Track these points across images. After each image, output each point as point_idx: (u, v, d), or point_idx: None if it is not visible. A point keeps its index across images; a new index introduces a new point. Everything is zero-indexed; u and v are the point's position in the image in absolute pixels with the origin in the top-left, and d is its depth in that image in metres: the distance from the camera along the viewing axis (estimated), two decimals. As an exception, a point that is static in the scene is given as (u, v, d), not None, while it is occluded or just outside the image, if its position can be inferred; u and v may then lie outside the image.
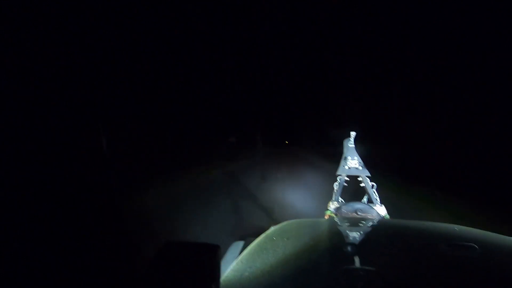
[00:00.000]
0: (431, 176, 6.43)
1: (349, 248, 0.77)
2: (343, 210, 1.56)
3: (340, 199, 1.82)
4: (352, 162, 1.84)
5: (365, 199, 1.78)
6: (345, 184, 1.89)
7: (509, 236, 0.85)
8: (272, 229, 1.03)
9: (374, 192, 1.74)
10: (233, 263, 0.72)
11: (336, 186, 1.87)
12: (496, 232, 0.88)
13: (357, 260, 0.68)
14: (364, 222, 1.16)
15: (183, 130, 12.39)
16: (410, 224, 1.05)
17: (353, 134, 1.87)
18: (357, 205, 1.55)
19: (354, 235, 0.93)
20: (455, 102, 7.46)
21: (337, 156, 1.98)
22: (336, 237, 0.90)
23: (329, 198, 1.85)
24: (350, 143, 1.87)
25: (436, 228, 0.98)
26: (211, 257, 0.42)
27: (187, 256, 0.42)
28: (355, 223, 1.17)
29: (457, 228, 0.94)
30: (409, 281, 0.57)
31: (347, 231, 0.98)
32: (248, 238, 1.19)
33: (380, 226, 1.09)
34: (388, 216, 1.57)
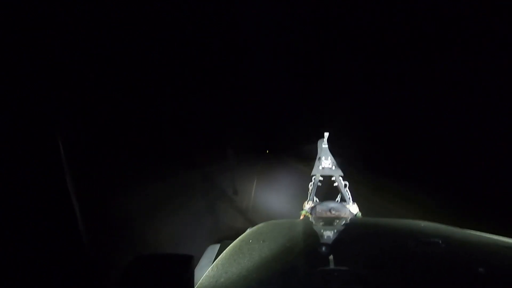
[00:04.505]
0: (401, 172, 6.83)
1: (323, 249, 0.78)
2: (317, 209, 1.59)
3: (315, 198, 1.86)
4: (326, 162, 1.89)
5: (338, 198, 1.84)
6: (319, 184, 1.93)
7: (473, 230, 0.93)
8: (249, 231, 1.03)
9: (346, 191, 1.80)
10: (209, 269, 0.70)
11: (311, 186, 1.91)
12: (461, 227, 0.95)
13: (331, 260, 0.69)
14: (337, 221, 1.19)
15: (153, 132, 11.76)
16: (380, 222, 1.10)
17: (326, 134, 1.92)
18: (331, 204, 1.60)
19: (328, 235, 0.95)
20: (433, 100, 7.94)
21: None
22: (310, 238, 0.91)
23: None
24: (324, 144, 1.92)
25: (404, 225, 1.03)
26: (184, 268, 0.40)
27: (159, 270, 0.39)
28: (328, 222, 1.19)
29: (423, 224, 1.00)
30: (379, 279, 0.59)
31: (321, 231, 1.00)
32: (224, 241, 1.18)
33: (353, 225, 1.13)
34: (360, 214, 1.63)
